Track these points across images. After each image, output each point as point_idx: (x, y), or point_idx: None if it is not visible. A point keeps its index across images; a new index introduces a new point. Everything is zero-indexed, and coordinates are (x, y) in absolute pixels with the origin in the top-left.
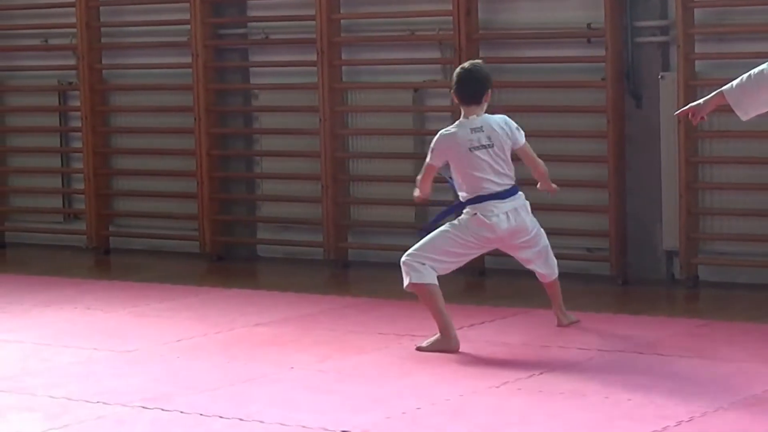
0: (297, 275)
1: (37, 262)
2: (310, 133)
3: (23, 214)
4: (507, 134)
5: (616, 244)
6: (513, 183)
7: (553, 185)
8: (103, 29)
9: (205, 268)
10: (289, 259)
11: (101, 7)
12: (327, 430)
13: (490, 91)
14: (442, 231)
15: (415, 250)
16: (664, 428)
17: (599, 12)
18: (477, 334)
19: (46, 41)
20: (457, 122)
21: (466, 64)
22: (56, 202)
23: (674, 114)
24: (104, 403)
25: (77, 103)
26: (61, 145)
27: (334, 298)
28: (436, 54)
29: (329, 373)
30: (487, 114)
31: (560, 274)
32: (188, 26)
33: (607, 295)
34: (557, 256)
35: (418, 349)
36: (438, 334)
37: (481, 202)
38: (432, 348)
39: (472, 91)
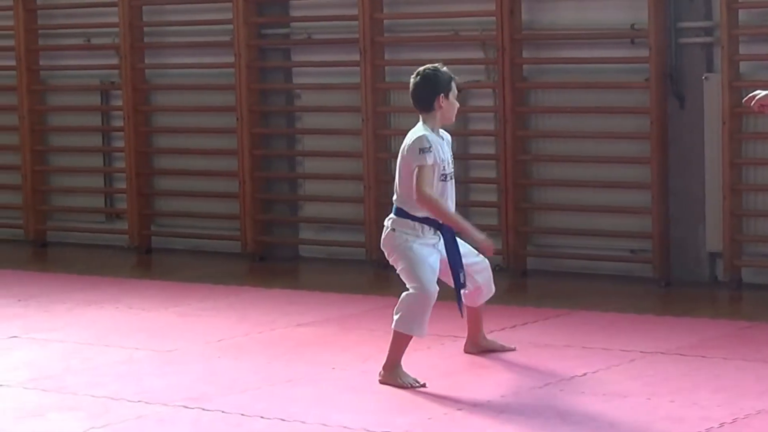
0: (339, 275)
1: (79, 261)
2: (352, 133)
3: (65, 214)
4: (403, 152)
5: (659, 246)
6: (397, 204)
7: (482, 240)
8: (145, 29)
9: (246, 267)
10: (331, 259)
11: (144, 7)
12: (368, 430)
13: (441, 96)
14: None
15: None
16: (707, 430)
17: (643, 13)
18: (519, 335)
19: (89, 40)
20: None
21: (422, 68)
22: (98, 201)
23: (743, 101)
24: (145, 402)
25: (119, 103)
26: (103, 145)
27: (376, 298)
28: (479, 54)
29: (371, 373)
30: (421, 127)
31: (603, 276)
32: (231, 26)
33: (650, 297)
34: (600, 258)
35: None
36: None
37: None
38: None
39: (417, 97)
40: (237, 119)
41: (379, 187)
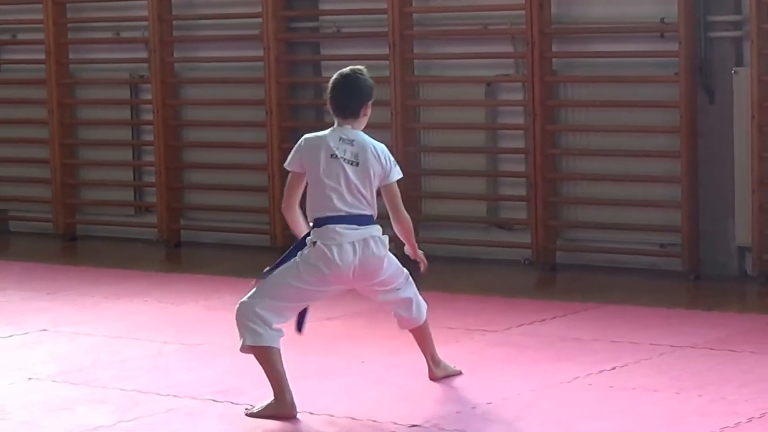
0: None
1: (108, 254)
2: (381, 127)
3: (94, 207)
4: (380, 162)
5: (688, 240)
6: (369, 214)
7: (422, 256)
8: (174, 22)
9: (274, 261)
10: None
11: (173, 0)
12: (397, 424)
13: (369, 103)
14: (280, 271)
15: (249, 298)
16: (736, 424)
17: (672, 7)
18: (548, 329)
19: (118, 34)
20: (329, 129)
21: (345, 70)
22: (127, 195)
23: None
24: (174, 396)
25: (149, 96)
26: (132, 138)
27: None
28: (508, 48)
29: (400, 367)
30: (363, 133)
31: (632, 270)
32: (260, 19)
33: (679, 291)
34: (629, 252)
35: (249, 415)
36: (272, 399)
37: (322, 225)
38: (265, 413)
39: (346, 101)
40: (266, 113)
41: (409, 181)
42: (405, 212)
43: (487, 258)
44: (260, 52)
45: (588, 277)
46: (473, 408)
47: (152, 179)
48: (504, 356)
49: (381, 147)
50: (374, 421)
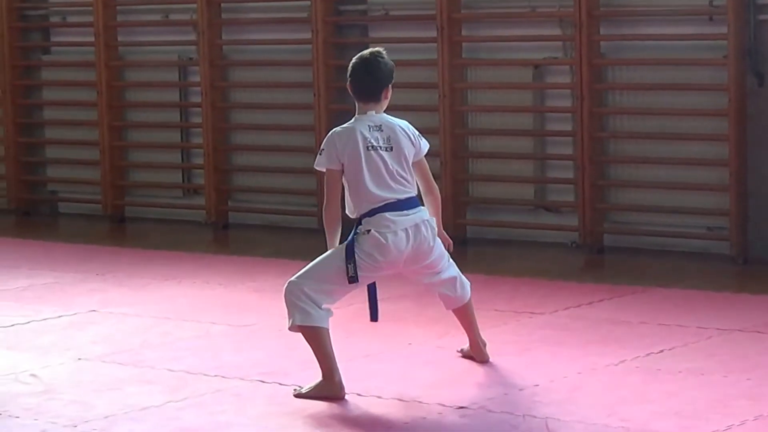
0: None
1: (157, 236)
2: (429, 110)
3: (143, 189)
4: (410, 140)
5: (736, 223)
6: (414, 194)
7: (446, 236)
8: (222, 5)
9: (322, 243)
10: None
11: None
12: (444, 406)
13: (390, 86)
14: (330, 254)
15: (297, 278)
16: None
17: None
18: (595, 312)
19: (167, 16)
20: (352, 119)
21: (365, 53)
22: (176, 176)
23: None
24: (222, 377)
25: (197, 79)
26: (180, 120)
27: None
28: (556, 31)
29: (447, 349)
30: (386, 114)
31: (680, 253)
32: (308, 2)
33: (727, 275)
34: (677, 235)
35: (297, 396)
36: (321, 379)
37: (374, 215)
38: (313, 394)
39: (368, 85)
40: (314, 95)
41: (456, 164)
42: (436, 186)
43: (535, 241)
44: (308, 35)
45: (635, 260)
46: (520, 390)
47: (200, 161)
48: (551, 339)
49: (405, 124)
50: (421, 402)
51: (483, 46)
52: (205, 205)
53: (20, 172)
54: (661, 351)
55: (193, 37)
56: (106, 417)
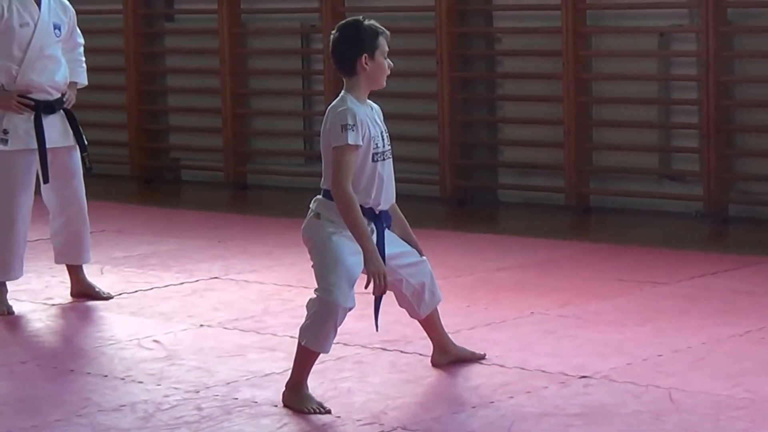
0: (537, 220)
1: (278, 203)
2: (553, 78)
3: (265, 156)
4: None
5: None
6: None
7: None
8: None
9: (445, 212)
10: (529, 203)
11: None
12: (567, 375)
13: (364, 56)
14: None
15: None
16: None
17: None
18: (720, 282)
19: None
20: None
21: (341, 23)
22: (297, 144)
23: None
24: (344, 344)
25: (320, 46)
26: (303, 88)
27: (575, 243)
28: None
29: (569, 318)
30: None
31: None
32: None
33: None
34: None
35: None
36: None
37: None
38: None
39: (336, 58)
40: (437, 63)
41: (580, 132)
42: None
43: (659, 210)
44: (431, 2)
45: (761, 231)
46: (644, 360)
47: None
48: (675, 309)
49: (330, 112)
50: (544, 371)
51: (608, 14)
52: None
53: (143, 140)
54: None
55: (316, 4)
56: (227, 383)
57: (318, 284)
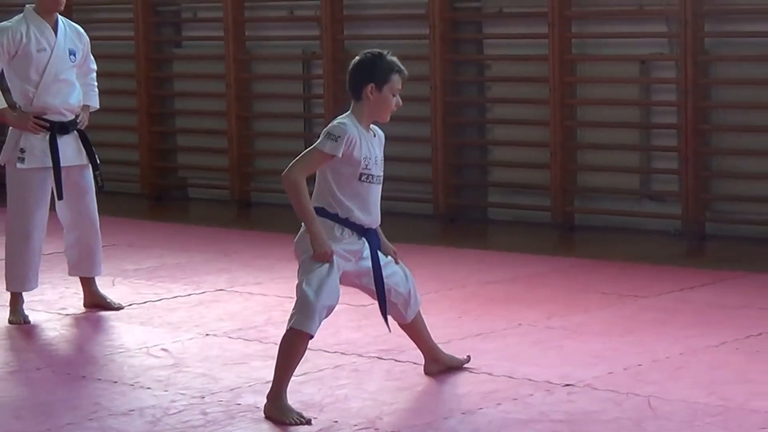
0: (525, 237)
1: (280, 220)
2: (540, 102)
3: (268, 176)
4: None
5: None
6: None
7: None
8: (345, 1)
9: (438, 228)
10: (517, 221)
11: None
12: (552, 383)
13: (372, 86)
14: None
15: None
16: None
17: None
18: (697, 295)
19: (292, 12)
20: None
21: (367, 50)
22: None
23: None
24: (342, 353)
25: (320, 72)
26: (304, 111)
27: (560, 259)
28: (662, 28)
29: (555, 329)
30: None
31: None
32: None
33: None
34: None
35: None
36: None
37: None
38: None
39: (348, 80)
40: (431, 88)
41: (565, 154)
42: None
43: (639, 228)
44: (426, 30)
45: (736, 248)
46: (625, 369)
47: None
48: (654, 321)
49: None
50: (530, 380)
51: (592, 42)
52: None
53: (153, 159)
54: (760, 334)
55: (316, 32)
56: (231, 389)
57: (298, 290)
